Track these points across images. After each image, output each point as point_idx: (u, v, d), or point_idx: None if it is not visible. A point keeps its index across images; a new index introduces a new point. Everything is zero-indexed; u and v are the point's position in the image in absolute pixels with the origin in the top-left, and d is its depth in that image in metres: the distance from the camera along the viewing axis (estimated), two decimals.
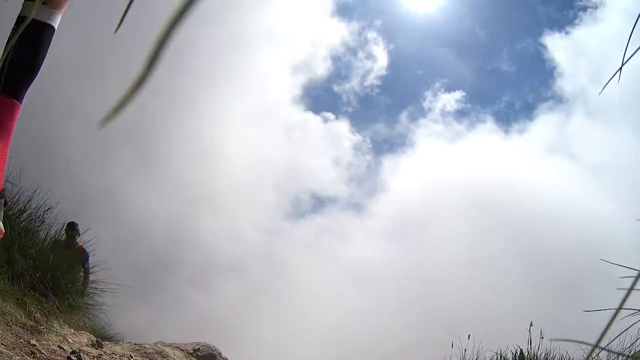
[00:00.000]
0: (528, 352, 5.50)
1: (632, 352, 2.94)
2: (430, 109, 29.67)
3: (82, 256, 6.79)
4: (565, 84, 28.26)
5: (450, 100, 29.09)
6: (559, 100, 28.78)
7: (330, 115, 29.18)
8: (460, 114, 29.97)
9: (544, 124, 28.79)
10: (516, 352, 5.56)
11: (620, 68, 0.54)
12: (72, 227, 6.83)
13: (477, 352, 5.70)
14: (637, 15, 0.59)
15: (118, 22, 0.45)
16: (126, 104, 0.34)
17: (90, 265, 6.86)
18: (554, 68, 28.42)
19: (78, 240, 6.94)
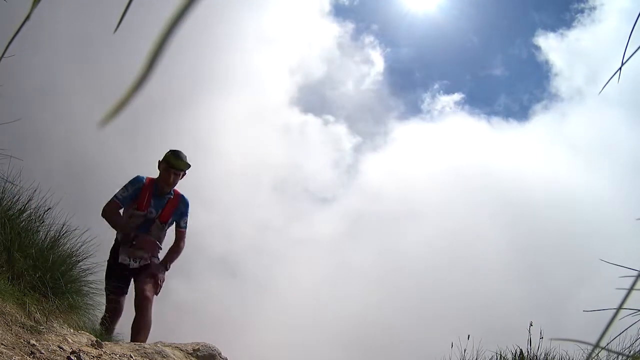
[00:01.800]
0: (528, 352, 5.51)
1: (631, 352, 2.95)
2: (429, 111, 29.80)
3: (180, 206, 4.53)
4: (561, 85, 28.44)
5: (449, 102, 29.20)
6: (555, 100, 29.01)
7: (330, 117, 29.28)
8: (458, 115, 30.12)
9: (539, 122, 29.01)
10: (516, 352, 5.57)
11: (620, 68, 0.54)
12: (185, 160, 4.45)
13: (477, 352, 5.71)
14: (637, 15, 0.59)
15: (117, 21, 0.45)
16: (126, 104, 0.34)
17: (187, 223, 4.59)
18: (550, 69, 28.61)
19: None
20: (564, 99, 28.67)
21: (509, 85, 31.86)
